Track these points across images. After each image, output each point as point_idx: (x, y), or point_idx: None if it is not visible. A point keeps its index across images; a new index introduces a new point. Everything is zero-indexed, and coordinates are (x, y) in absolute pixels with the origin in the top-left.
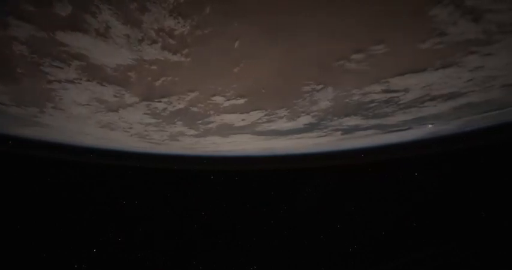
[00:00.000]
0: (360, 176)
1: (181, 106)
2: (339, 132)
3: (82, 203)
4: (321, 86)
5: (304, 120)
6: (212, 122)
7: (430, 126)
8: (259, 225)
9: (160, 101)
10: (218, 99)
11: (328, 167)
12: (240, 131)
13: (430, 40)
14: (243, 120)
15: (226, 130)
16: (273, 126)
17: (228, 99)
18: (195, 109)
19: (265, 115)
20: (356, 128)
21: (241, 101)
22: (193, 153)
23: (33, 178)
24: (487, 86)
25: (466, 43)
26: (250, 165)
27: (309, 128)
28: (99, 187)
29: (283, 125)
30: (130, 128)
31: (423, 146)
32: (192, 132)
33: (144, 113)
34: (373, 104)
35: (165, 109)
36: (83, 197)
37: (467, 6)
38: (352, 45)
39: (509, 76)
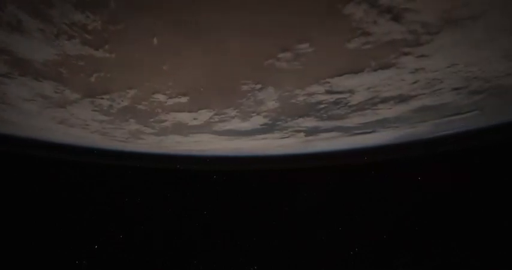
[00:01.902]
0: (360, 177)
1: (126, 103)
2: (302, 134)
3: (82, 202)
4: (260, 86)
5: (257, 120)
6: (165, 121)
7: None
8: (259, 226)
9: (102, 98)
10: (160, 97)
11: (328, 167)
12: (198, 130)
13: (356, 40)
14: (195, 119)
15: (184, 129)
16: (229, 126)
17: (170, 98)
18: (141, 107)
19: (215, 114)
20: (317, 130)
21: (184, 99)
22: (195, 153)
23: (30, 177)
24: (436, 89)
25: (395, 44)
26: (248, 165)
27: (267, 129)
28: (98, 187)
29: (240, 125)
30: (87, 125)
31: (405, 148)
32: (150, 130)
33: (93, 110)
34: (322, 105)
35: (110, 106)
36: (83, 196)
37: (382, 4)
38: (277, 44)
39: (455, 79)
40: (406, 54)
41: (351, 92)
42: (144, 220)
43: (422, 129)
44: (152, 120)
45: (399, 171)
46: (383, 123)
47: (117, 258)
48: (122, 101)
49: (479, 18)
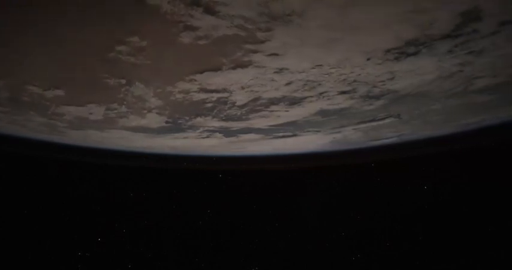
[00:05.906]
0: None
1: (7, 94)
2: (218, 134)
3: (86, 202)
4: (124, 81)
5: (155, 118)
6: (63, 114)
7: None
8: (260, 226)
9: None
10: (34, 88)
11: (333, 168)
12: (109, 125)
13: (185, 34)
14: (90, 114)
15: (92, 124)
16: (133, 122)
17: (45, 90)
18: (26, 99)
19: (106, 109)
20: (229, 131)
21: (60, 92)
22: (197, 153)
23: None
24: (320, 92)
25: (232, 40)
26: (251, 165)
27: (176, 128)
28: (100, 186)
29: (142, 122)
30: None
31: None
32: (59, 123)
33: None
34: (209, 105)
35: None
36: (85, 196)
37: None
38: (107, 37)
39: (333, 82)
40: (253, 52)
41: (227, 91)
42: (144, 219)
43: (352, 136)
44: (50, 112)
45: (401, 172)
46: (295, 126)
47: (118, 258)
48: (1, 91)
49: (306, 15)
